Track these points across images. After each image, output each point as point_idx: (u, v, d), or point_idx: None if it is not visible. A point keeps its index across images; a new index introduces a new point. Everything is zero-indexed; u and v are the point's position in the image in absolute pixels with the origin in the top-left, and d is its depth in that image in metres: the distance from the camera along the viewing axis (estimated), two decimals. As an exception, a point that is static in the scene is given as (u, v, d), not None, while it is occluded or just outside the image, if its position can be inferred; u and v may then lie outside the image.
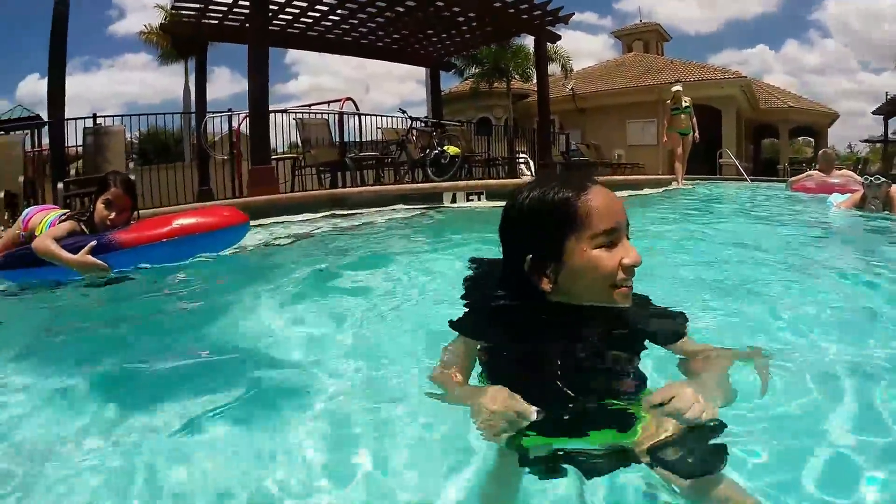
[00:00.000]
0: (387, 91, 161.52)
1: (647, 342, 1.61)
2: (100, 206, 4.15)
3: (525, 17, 14.21)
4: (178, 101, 30.32)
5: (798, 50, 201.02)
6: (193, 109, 13.51)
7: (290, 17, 13.12)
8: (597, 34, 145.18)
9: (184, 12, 12.49)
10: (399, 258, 4.48)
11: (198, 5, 11.96)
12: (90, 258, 3.82)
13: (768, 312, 2.92)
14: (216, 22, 12.69)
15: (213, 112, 12.27)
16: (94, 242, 3.87)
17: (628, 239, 1.46)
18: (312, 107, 15.34)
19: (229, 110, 11.63)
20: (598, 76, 34.78)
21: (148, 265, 4.10)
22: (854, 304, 3.20)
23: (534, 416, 1.25)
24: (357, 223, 6.84)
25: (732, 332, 2.62)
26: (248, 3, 10.88)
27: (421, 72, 18.24)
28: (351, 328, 2.69)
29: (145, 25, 32.19)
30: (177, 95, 31.57)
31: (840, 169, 12.04)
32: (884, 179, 7.49)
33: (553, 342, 1.52)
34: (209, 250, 4.41)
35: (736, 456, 1.41)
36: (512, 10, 13.74)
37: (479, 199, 8.85)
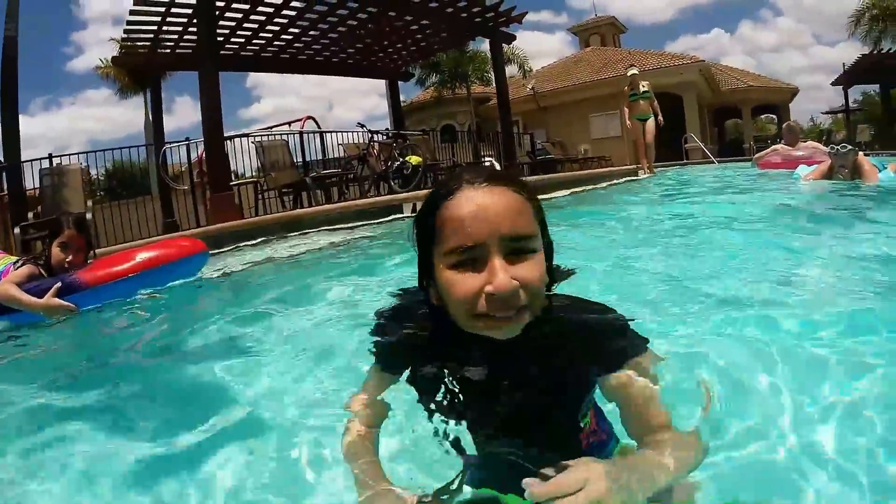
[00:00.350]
0: (350, 107, 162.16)
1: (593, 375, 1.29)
2: (55, 249, 4.16)
3: (478, 19, 14.23)
4: (142, 133, 30.20)
5: (753, 30, 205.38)
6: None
7: (242, 40, 13.05)
8: (553, 32, 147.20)
9: (138, 43, 12.35)
10: (356, 278, 4.44)
11: (149, 35, 11.84)
12: (56, 300, 3.82)
13: (741, 291, 2.97)
14: (169, 51, 12.59)
15: (171, 142, 12.11)
16: (58, 284, 3.87)
17: (522, 254, 1.13)
18: (273, 128, 15.28)
19: (186, 139, 11.50)
20: (558, 73, 34.98)
21: (111, 301, 4.14)
22: (832, 275, 3.25)
23: None
24: (314, 245, 6.74)
25: (711, 313, 2.67)
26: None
27: (382, 85, 18.22)
28: (318, 354, 2.64)
29: (101, 60, 32.01)
30: (140, 128, 31.37)
31: (805, 141, 12.09)
32: (851, 147, 7.55)
33: (468, 383, 1.30)
34: (171, 281, 4.50)
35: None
36: (465, 15, 13.77)
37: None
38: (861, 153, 7.75)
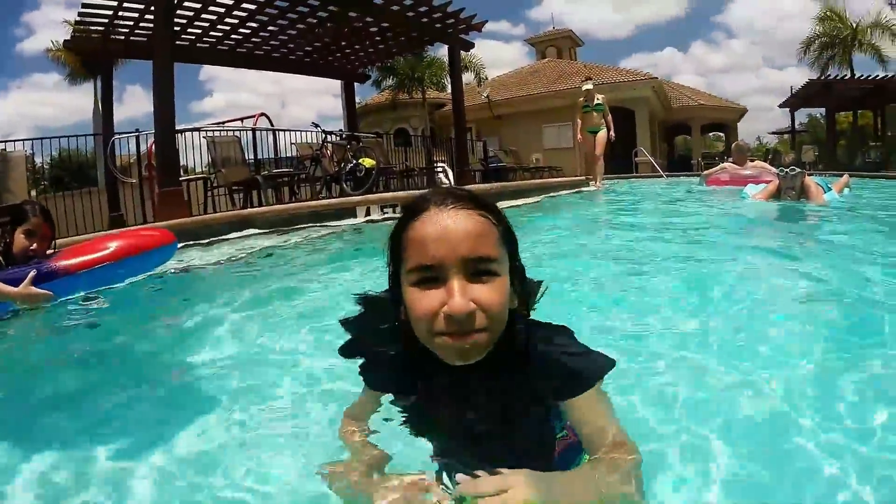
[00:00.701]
0: (305, 106, 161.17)
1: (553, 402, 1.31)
2: (20, 236, 4.07)
3: (438, 25, 14.24)
4: (91, 122, 29.40)
5: (705, 51, 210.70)
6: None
7: (199, 31, 12.76)
8: (510, 42, 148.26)
9: (89, 28, 11.98)
10: (313, 280, 4.43)
11: (103, 20, 11.51)
12: (34, 289, 3.75)
13: (687, 306, 3.05)
14: (122, 38, 12.26)
15: (121, 133, 11.84)
16: (34, 272, 3.80)
17: (483, 277, 1.16)
18: (226, 124, 15.04)
19: (136, 130, 11.25)
20: (514, 83, 35.26)
21: (81, 292, 4.11)
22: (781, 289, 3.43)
23: None
24: (266, 244, 6.66)
25: (657, 326, 2.77)
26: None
27: (338, 85, 18.08)
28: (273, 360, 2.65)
29: (52, 42, 31.00)
30: (89, 116, 30.45)
31: (753, 160, 12.38)
32: (799, 170, 7.75)
33: (435, 406, 1.34)
34: (142, 271, 4.55)
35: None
36: (425, 20, 13.76)
37: (395, 212, 8.64)
38: (808, 176, 7.97)
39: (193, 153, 11.50)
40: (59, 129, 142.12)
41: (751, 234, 6.16)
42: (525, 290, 1.32)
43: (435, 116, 34.01)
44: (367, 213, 8.63)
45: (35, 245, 4.08)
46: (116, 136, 11.60)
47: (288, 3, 12.05)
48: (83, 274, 4.06)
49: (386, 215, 8.66)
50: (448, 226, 1.16)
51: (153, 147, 11.21)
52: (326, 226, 7.98)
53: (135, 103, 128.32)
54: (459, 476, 1.02)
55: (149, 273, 4.64)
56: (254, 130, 13.10)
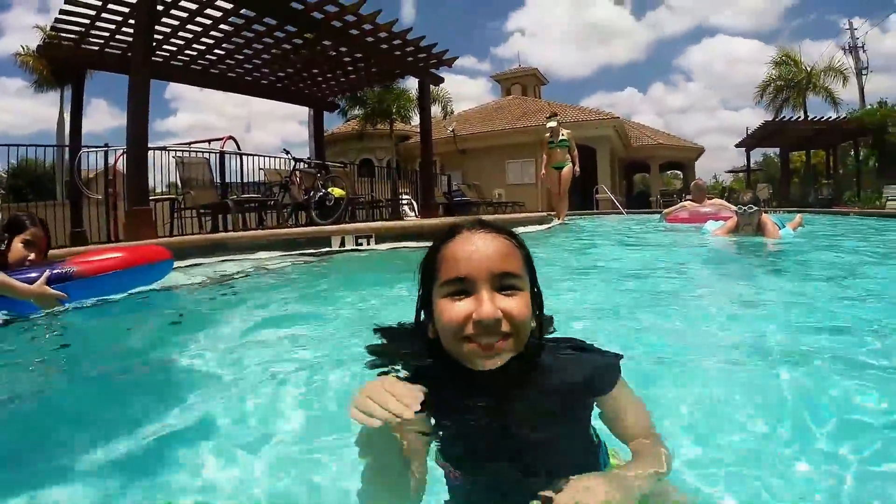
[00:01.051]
0: (269, 131, 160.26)
1: (586, 399, 1.45)
2: (18, 245, 4.17)
3: (410, 59, 14.41)
4: (53, 132, 28.80)
5: (664, 92, 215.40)
6: (67, 142, 12.73)
7: (173, 49, 12.65)
8: (476, 78, 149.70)
9: (63, 35, 11.78)
10: (297, 308, 4.46)
11: (78, 28, 11.32)
12: (48, 289, 3.82)
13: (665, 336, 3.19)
14: (97, 49, 12.09)
15: (89, 147, 11.65)
16: (48, 272, 3.89)
17: (508, 291, 1.30)
18: (193, 145, 14.91)
19: (105, 145, 11.11)
20: (479, 118, 35.70)
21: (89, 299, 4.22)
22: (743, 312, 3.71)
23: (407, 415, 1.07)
24: (242, 270, 6.63)
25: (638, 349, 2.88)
26: (131, 31, 10.40)
27: (303, 112, 18.10)
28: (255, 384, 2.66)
29: (22, 47, 30.38)
30: (51, 126, 29.79)
31: (711, 198, 12.79)
32: (756, 208, 8.05)
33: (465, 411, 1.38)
34: (144, 283, 4.70)
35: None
36: (398, 52, 13.90)
37: (369, 243, 8.65)
38: (765, 214, 8.29)
39: (159, 173, 11.29)
40: (18, 137, 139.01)
41: (713, 264, 6.60)
42: (541, 317, 1.44)
43: (400, 148, 34.25)
44: (342, 244, 8.55)
45: (32, 255, 4.17)
46: (84, 150, 11.43)
47: (265, 27, 12.11)
48: (93, 280, 4.16)
49: (361, 245, 8.58)
50: (479, 245, 1.33)
51: (118, 163, 11.08)
52: (303, 253, 7.97)
53: (99, 117, 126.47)
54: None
55: (142, 288, 4.70)
56: (221, 153, 13.03)
